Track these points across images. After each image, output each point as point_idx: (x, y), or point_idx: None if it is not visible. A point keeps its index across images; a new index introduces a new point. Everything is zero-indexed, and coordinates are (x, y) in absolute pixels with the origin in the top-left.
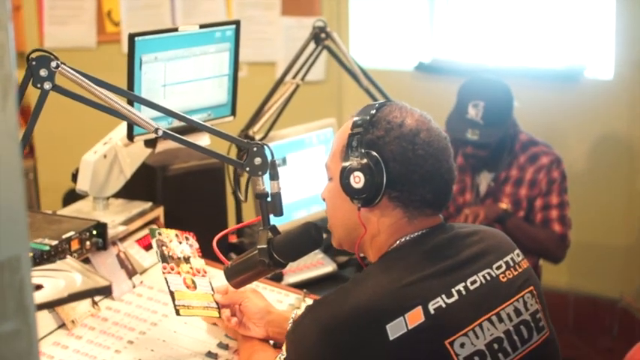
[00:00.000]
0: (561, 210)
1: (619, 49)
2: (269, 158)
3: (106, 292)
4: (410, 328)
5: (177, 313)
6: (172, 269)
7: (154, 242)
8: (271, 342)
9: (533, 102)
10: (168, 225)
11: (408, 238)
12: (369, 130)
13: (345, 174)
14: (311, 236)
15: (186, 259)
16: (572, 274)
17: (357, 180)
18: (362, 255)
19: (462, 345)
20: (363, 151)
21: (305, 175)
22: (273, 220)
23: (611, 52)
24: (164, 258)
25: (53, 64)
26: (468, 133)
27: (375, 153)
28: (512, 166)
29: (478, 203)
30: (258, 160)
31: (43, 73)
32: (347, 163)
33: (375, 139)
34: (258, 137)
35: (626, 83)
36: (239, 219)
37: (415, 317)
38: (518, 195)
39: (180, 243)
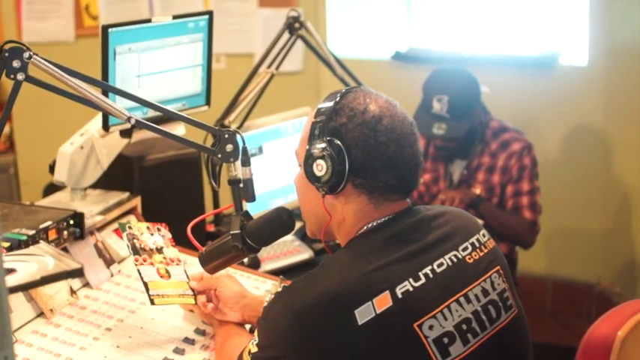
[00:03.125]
0: (532, 197)
1: (593, 35)
2: (240, 145)
3: (77, 274)
4: (378, 312)
5: (152, 302)
6: (145, 260)
7: (124, 236)
8: (247, 326)
9: (509, 89)
10: (146, 214)
11: (374, 224)
12: (332, 117)
13: (308, 162)
14: (283, 221)
15: (159, 250)
16: (549, 260)
17: (320, 168)
18: (337, 242)
19: (431, 327)
20: (326, 138)
21: (281, 163)
22: (249, 207)
23: (585, 38)
24: (136, 250)
25: (26, 54)
26: (434, 128)
27: (337, 141)
28: (483, 153)
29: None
30: (229, 147)
31: (15, 64)
32: (310, 151)
33: (338, 127)
34: (234, 127)
35: (600, 69)
36: (216, 208)
37: (383, 302)
38: (491, 182)
39: (152, 235)
